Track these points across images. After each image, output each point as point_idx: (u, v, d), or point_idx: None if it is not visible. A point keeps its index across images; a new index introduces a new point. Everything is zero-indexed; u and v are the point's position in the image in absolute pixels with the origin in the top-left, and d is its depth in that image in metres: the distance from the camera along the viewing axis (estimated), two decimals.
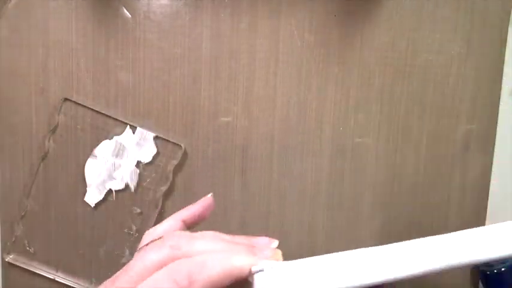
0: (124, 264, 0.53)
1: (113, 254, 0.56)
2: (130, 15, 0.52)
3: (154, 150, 0.53)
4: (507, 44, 0.53)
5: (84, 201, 0.54)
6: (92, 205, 0.55)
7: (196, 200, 0.53)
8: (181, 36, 0.53)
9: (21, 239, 0.56)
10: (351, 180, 0.54)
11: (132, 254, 0.55)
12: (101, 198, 0.54)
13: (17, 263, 0.56)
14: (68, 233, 0.55)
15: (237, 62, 0.53)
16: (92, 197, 0.54)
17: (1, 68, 0.53)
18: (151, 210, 0.54)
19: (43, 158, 0.54)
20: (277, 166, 0.54)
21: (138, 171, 0.54)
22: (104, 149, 0.54)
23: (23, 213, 0.55)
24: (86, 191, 0.54)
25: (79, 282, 0.56)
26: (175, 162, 0.53)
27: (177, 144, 0.53)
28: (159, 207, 0.54)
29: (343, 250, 0.27)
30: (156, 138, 0.53)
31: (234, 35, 0.52)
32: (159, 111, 0.54)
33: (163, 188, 0.54)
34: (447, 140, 0.54)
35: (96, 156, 0.54)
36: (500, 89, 0.54)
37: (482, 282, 0.55)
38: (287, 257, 0.28)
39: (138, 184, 0.54)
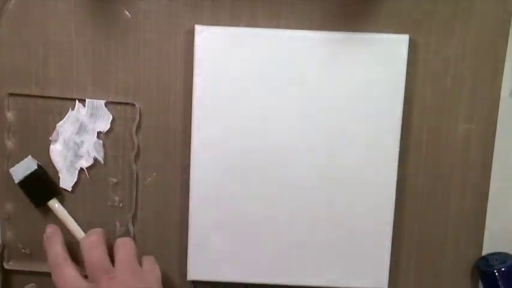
0: (119, 237, 0.53)
1: (107, 231, 0.54)
2: (130, 15, 0.52)
3: (110, 117, 0.53)
4: (508, 44, 0.53)
5: (62, 188, 0.54)
6: (69, 189, 0.54)
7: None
8: (181, 36, 0.53)
9: (14, 243, 0.56)
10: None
11: (122, 226, 0.55)
12: (75, 180, 0.54)
13: (18, 268, 0.56)
14: (57, 225, 0.54)
15: None
16: (67, 181, 0.54)
17: (1, 68, 0.53)
18: (127, 177, 0.54)
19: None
20: None
21: (101, 142, 0.54)
22: (61, 130, 0.53)
23: (7, 217, 0.55)
24: (59, 178, 0.54)
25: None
26: (134, 123, 0.53)
27: (131, 104, 0.53)
28: (135, 171, 0.54)
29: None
30: (107, 104, 0.53)
31: None
32: (159, 111, 0.54)
33: (132, 152, 0.54)
34: (446, 140, 0.54)
35: (56, 141, 0.53)
36: (500, 88, 0.54)
37: (482, 282, 0.55)
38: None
39: (106, 155, 0.54)
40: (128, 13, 0.53)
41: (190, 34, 0.52)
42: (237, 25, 0.52)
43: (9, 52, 0.53)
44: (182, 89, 0.53)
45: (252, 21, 0.52)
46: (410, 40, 0.51)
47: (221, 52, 0.52)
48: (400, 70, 0.52)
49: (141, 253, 0.55)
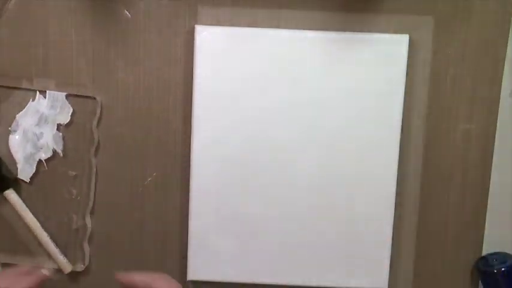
0: (76, 230, 0.54)
1: (63, 224, 0.55)
2: (130, 15, 0.52)
3: (70, 109, 0.53)
4: (508, 44, 0.53)
5: (20, 179, 0.54)
6: (27, 180, 0.54)
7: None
8: (181, 36, 0.53)
9: None
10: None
11: (80, 219, 0.55)
12: (34, 171, 0.54)
13: None
14: (13, 216, 0.54)
15: None
16: (25, 172, 0.54)
17: (1, 68, 0.53)
18: (86, 170, 0.54)
19: None
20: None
21: (61, 134, 0.54)
22: (21, 121, 0.53)
23: None
24: (17, 169, 0.54)
25: (42, 262, 0.55)
26: (95, 117, 0.53)
27: (92, 98, 0.53)
28: (93, 164, 0.54)
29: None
30: (68, 96, 0.53)
31: None
32: (159, 110, 0.54)
33: (92, 145, 0.54)
34: (447, 140, 0.54)
35: (16, 131, 0.53)
36: (500, 88, 0.54)
37: (482, 282, 0.55)
38: None
39: (65, 147, 0.54)
40: (127, 13, 0.52)
41: (191, 34, 0.52)
42: (237, 25, 0.52)
43: (9, 52, 0.53)
44: (182, 89, 0.53)
45: (252, 22, 0.52)
46: (410, 40, 0.52)
47: (221, 52, 0.52)
48: (400, 70, 0.52)
49: (140, 255, 0.56)
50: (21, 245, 0.55)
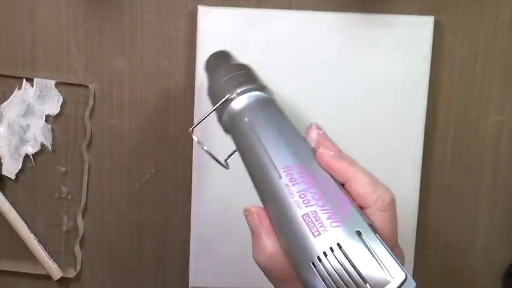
0: (66, 232, 0.52)
1: (51, 225, 0.53)
2: None
3: (60, 99, 0.51)
4: None
5: (4, 176, 0.52)
6: (13, 177, 0.52)
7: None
8: (182, 18, 0.50)
9: None
10: None
11: (71, 220, 0.52)
12: (20, 167, 0.52)
13: None
14: None
15: None
16: (10, 168, 0.52)
17: None
18: (77, 166, 0.52)
19: None
20: None
21: (50, 126, 0.51)
22: (6, 112, 0.51)
23: None
24: (1, 164, 0.52)
25: (27, 266, 0.53)
26: (87, 107, 0.51)
27: (84, 86, 0.50)
28: (86, 159, 0.51)
29: None
30: (57, 84, 0.51)
31: None
32: (158, 99, 0.51)
33: (84, 139, 0.51)
34: (476, 133, 0.51)
35: None
36: None
37: None
38: None
39: (55, 141, 0.52)
40: None
41: (193, 16, 0.49)
42: (244, 6, 0.49)
43: None
44: (183, 76, 0.50)
45: (261, 2, 0.49)
46: (435, 22, 0.48)
47: (227, 36, 0.48)
48: (424, 55, 0.48)
49: (137, 259, 0.53)
50: (6, 249, 0.53)
